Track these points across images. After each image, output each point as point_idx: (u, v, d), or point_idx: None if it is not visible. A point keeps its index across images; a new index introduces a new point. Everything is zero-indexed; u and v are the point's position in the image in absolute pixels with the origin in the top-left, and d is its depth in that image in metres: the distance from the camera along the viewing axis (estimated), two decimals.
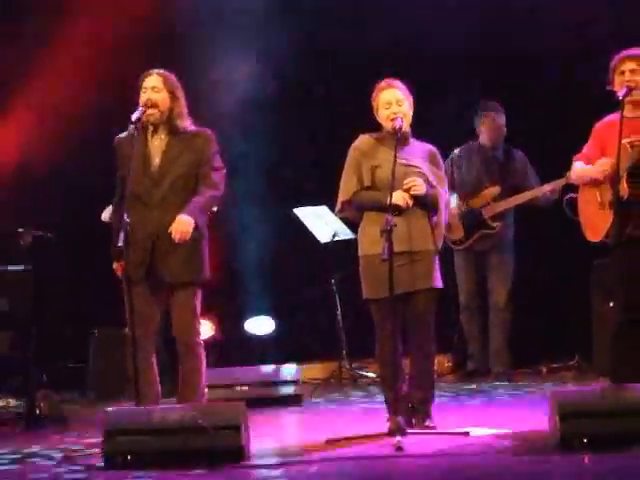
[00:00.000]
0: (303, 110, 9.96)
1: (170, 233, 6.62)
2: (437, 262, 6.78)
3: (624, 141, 6.58)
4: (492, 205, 9.21)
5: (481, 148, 9.45)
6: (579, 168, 7.01)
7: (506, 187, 9.25)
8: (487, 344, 9.41)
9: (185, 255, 6.74)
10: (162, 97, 6.78)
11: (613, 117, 6.86)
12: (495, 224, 9.20)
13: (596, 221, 6.87)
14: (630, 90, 6.70)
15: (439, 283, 6.80)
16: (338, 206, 6.86)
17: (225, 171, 6.94)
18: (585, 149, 7.09)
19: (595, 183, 6.92)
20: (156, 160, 6.80)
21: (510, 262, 9.35)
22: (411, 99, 6.78)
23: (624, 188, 6.59)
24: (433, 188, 6.67)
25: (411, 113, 6.77)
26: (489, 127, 9.33)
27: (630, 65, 6.80)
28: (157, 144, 6.83)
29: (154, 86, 6.79)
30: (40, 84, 9.81)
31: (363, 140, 6.82)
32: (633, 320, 6.76)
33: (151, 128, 6.82)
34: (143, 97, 6.78)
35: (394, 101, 6.71)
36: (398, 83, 6.78)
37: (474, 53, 9.77)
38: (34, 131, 9.71)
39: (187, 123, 6.88)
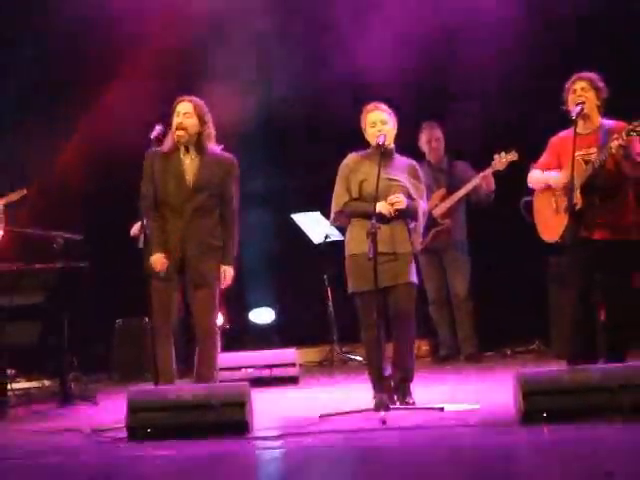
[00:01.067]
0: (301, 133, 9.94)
1: (197, 241, 6.82)
2: (413, 261, 6.85)
3: (577, 156, 6.64)
4: (439, 205, 9.27)
5: (428, 163, 9.49)
6: (538, 176, 7.07)
7: (451, 190, 9.30)
8: (454, 332, 9.43)
9: (209, 261, 6.86)
10: (192, 122, 6.86)
11: (567, 132, 6.89)
12: (444, 221, 9.24)
13: (552, 224, 6.92)
14: (582, 108, 6.74)
15: (415, 279, 6.88)
16: (332, 216, 6.96)
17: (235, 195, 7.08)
18: (542, 159, 7.14)
19: (551, 191, 6.99)
20: (189, 177, 6.86)
21: (464, 258, 9.38)
22: (394, 120, 6.83)
23: (578, 198, 6.65)
24: (413, 200, 6.73)
25: (394, 132, 6.83)
26: (428, 140, 9.38)
27: (581, 84, 6.84)
28: (189, 162, 6.90)
29: (186, 112, 6.87)
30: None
31: (351, 158, 6.88)
32: (585, 307, 6.83)
33: (183, 148, 6.89)
34: (176, 120, 6.86)
35: (379, 121, 6.76)
36: (383, 106, 6.83)
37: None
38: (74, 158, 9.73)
39: (213, 144, 6.96)
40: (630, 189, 6.86)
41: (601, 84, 6.88)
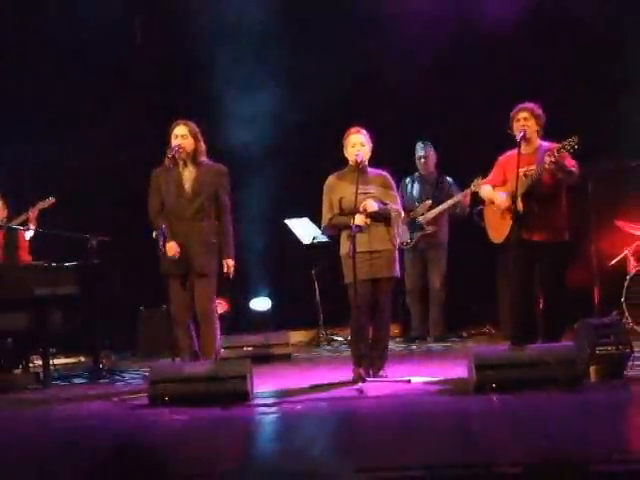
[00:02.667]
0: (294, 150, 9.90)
1: (198, 240, 6.77)
2: (396, 257, 6.82)
3: (520, 171, 6.68)
4: (426, 214, 9.26)
5: (420, 176, 9.49)
6: (488, 191, 7.08)
7: (436, 201, 9.30)
8: (425, 318, 9.43)
9: (208, 256, 6.84)
10: (188, 142, 6.86)
11: (511, 152, 6.91)
12: (429, 227, 9.24)
13: (499, 227, 6.94)
14: (524, 134, 6.78)
15: (397, 273, 6.86)
16: (322, 229, 7.06)
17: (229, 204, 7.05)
18: (491, 175, 7.16)
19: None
20: (188, 186, 6.87)
21: (443, 257, 9.35)
22: (370, 144, 6.79)
23: (520, 205, 6.68)
24: (385, 205, 6.74)
25: (369, 154, 6.79)
26: (422, 157, 9.39)
27: (524, 114, 6.86)
28: (187, 174, 6.89)
29: (183, 134, 6.86)
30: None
31: (330, 179, 6.86)
32: (527, 297, 6.86)
33: (181, 163, 6.89)
34: (175, 142, 6.84)
35: (358, 143, 6.73)
36: (363, 130, 6.80)
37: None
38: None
39: (205, 157, 6.97)
40: (563, 198, 6.90)
41: (540, 112, 6.90)
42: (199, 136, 6.92)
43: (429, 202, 9.26)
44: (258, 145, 9.79)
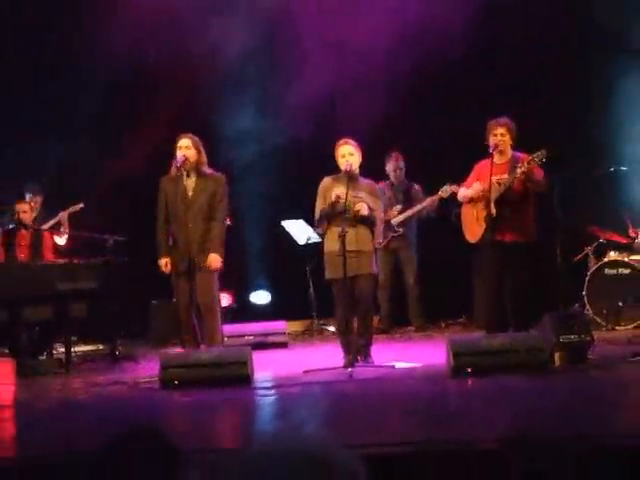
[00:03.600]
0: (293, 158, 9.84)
1: (198, 241, 6.75)
2: (374, 257, 6.84)
3: (493, 179, 6.69)
4: (397, 217, 9.23)
5: (391, 184, 9.45)
6: (464, 192, 7.10)
7: (406, 206, 9.26)
8: (392, 312, 9.35)
9: (208, 254, 6.80)
10: (192, 153, 6.84)
11: (486, 161, 6.93)
12: (400, 229, 9.20)
13: (474, 229, 6.95)
14: (498, 146, 6.80)
15: (376, 270, 6.88)
16: (315, 223, 6.97)
17: (228, 205, 7.01)
18: (467, 181, 7.18)
19: (473, 204, 7.02)
20: (189, 193, 6.86)
21: (414, 256, 9.28)
22: (359, 152, 6.78)
23: (493, 210, 6.69)
24: (372, 211, 6.73)
25: (359, 161, 6.78)
26: (393, 167, 9.34)
27: (500, 130, 6.87)
28: (189, 183, 6.88)
29: (187, 146, 6.84)
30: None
31: (325, 181, 6.85)
32: (499, 291, 6.86)
33: (185, 172, 6.87)
34: (179, 153, 6.82)
35: (347, 153, 6.71)
36: (351, 141, 6.77)
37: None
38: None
39: (206, 168, 6.96)
40: (531, 204, 6.91)
41: (513, 127, 6.93)
42: (201, 148, 6.91)
43: (399, 206, 9.24)
44: (261, 156, 9.83)
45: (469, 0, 9.13)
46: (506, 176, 6.79)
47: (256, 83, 9.92)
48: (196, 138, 6.91)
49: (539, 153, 6.63)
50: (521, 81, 9.26)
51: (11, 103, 9.84)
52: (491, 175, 6.65)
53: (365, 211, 6.61)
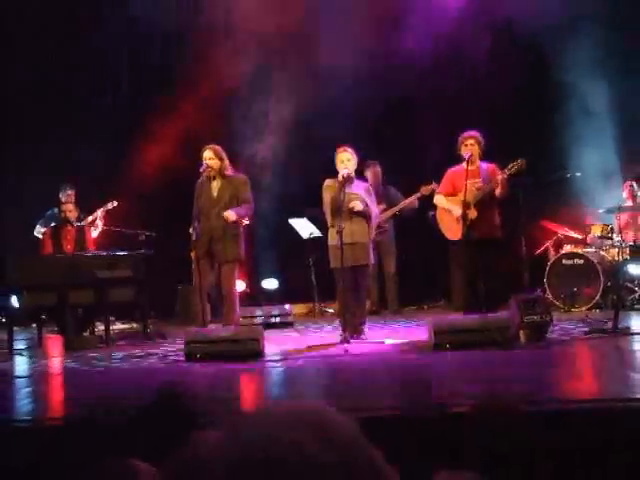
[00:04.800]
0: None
1: (221, 232, 6.74)
2: (370, 248, 6.79)
3: (469, 184, 6.67)
4: (384, 214, 9.15)
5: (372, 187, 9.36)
6: (443, 202, 7.04)
7: (387, 206, 9.19)
8: (380, 297, 9.31)
9: (229, 245, 6.81)
10: (215, 162, 6.85)
11: (457, 167, 6.91)
12: (384, 225, 9.14)
13: (454, 228, 6.91)
14: (471, 155, 6.77)
15: (372, 261, 6.85)
16: (328, 220, 6.74)
17: (253, 203, 7.01)
18: (441, 187, 7.13)
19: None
20: (215, 193, 6.87)
21: (394, 248, 9.25)
22: (356, 158, 6.75)
23: (473, 212, 6.67)
24: (366, 207, 6.70)
25: (355, 166, 6.76)
26: (372, 174, 9.29)
27: (470, 141, 6.84)
28: (214, 185, 6.90)
29: (210, 157, 6.85)
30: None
31: (328, 182, 6.80)
32: (473, 278, 6.86)
33: (212, 177, 6.89)
34: (204, 163, 6.83)
35: (345, 160, 6.68)
36: (349, 148, 6.73)
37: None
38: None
39: (230, 171, 6.95)
40: (496, 205, 6.90)
41: (482, 139, 6.91)
42: (223, 155, 6.90)
43: (382, 206, 9.20)
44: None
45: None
46: (478, 180, 6.77)
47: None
48: (218, 147, 6.90)
49: (517, 163, 6.60)
50: (490, 100, 9.23)
51: (50, 106, 9.76)
52: (466, 179, 6.63)
53: (359, 207, 6.59)
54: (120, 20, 9.87)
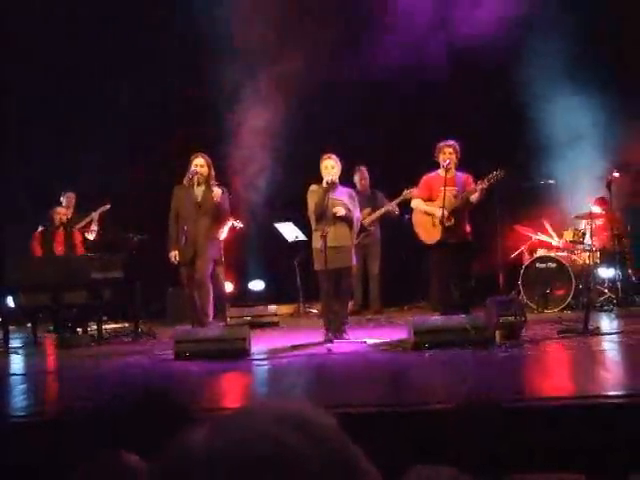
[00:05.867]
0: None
1: (201, 235, 6.80)
2: (353, 251, 6.76)
3: (447, 190, 6.67)
4: (367, 218, 9.17)
5: (358, 192, 9.37)
6: (421, 204, 7.03)
7: (373, 209, 9.19)
8: (364, 297, 9.31)
9: (207, 243, 6.86)
10: (204, 170, 6.88)
11: (434, 174, 6.92)
12: (370, 228, 9.15)
13: (431, 232, 6.91)
14: (449, 163, 6.79)
15: (354, 263, 6.82)
16: (314, 228, 6.71)
17: (229, 211, 7.14)
18: (418, 192, 7.14)
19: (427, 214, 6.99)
20: (198, 200, 6.88)
21: (378, 250, 9.25)
22: (339, 165, 6.73)
23: (450, 218, 6.68)
24: (349, 212, 6.69)
25: (339, 172, 6.73)
26: (360, 178, 9.29)
27: (448, 150, 6.86)
28: (198, 192, 6.93)
29: (202, 164, 6.89)
30: None
31: (312, 188, 6.79)
32: (449, 280, 6.86)
33: (196, 183, 6.89)
34: (194, 169, 6.84)
35: (330, 167, 6.67)
36: (333, 156, 6.71)
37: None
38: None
39: (213, 181, 6.98)
40: (467, 212, 6.91)
41: (458, 148, 6.92)
42: (211, 165, 6.95)
43: (369, 210, 9.21)
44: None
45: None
46: (454, 188, 6.77)
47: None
48: (207, 157, 6.97)
49: (497, 173, 6.61)
50: (468, 112, 9.24)
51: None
52: (445, 187, 6.64)
53: (342, 212, 6.58)
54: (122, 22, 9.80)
